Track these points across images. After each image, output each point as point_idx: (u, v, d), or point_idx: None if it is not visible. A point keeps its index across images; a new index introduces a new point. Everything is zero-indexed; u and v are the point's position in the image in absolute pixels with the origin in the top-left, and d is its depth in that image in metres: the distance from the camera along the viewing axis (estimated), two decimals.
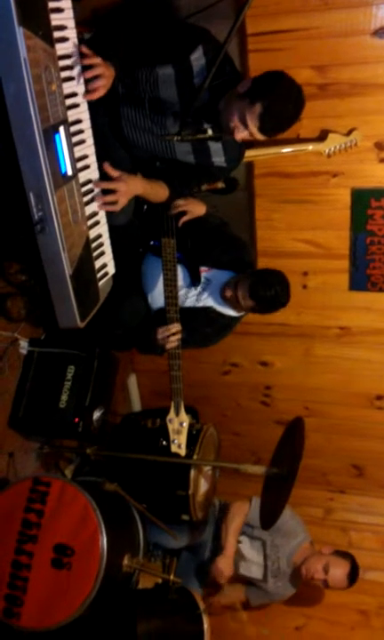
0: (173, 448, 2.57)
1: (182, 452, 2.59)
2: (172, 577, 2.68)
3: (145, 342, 2.61)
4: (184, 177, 2.36)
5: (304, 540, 3.19)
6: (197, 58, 2.12)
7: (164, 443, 2.72)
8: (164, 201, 2.34)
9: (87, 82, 1.84)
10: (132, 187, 2.08)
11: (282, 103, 2.04)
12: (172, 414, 2.54)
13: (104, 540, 2.43)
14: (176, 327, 2.46)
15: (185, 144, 2.24)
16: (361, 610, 3.49)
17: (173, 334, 2.45)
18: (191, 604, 2.74)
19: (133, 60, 2.10)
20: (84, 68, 1.81)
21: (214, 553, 3.16)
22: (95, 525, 2.44)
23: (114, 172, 2.02)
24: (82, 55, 1.79)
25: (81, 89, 1.83)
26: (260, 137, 2.09)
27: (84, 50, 1.79)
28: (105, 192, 2.01)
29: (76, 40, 1.77)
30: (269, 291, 2.48)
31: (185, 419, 2.55)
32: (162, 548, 3.11)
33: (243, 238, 2.85)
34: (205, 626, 2.67)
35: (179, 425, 2.55)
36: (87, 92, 1.84)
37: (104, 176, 2.02)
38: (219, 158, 2.31)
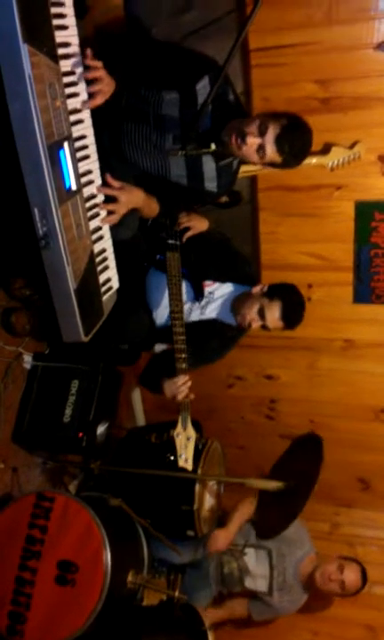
0: (181, 462, 2.55)
1: (189, 466, 2.56)
2: (177, 593, 2.67)
3: (153, 385, 2.61)
4: (173, 197, 2.37)
5: (310, 551, 3.18)
6: (203, 87, 2.13)
7: (172, 458, 2.70)
8: (154, 217, 2.35)
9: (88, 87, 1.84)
10: (133, 198, 2.10)
11: (300, 129, 2.14)
12: (179, 428, 2.52)
13: (108, 556, 2.41)
14: (184, 378, 2.45)
15: (181, 166, 2.26)
16: (368, 625, 3.44)
17: (183, 384, 2.45)
18: (196, 620, 2.71)
19: (138, 79, 2.11)
20: (85, 69, 1.80)
21: (219, 569, 3.13)
22: (99, 541, 2.42)
23: (115, 183, 2.03)
24: (84, 62, 1.79)
25: (85, 105, 1.84)
26: (271, 152, 2.10)
27: (88, 52, 1.79)
28: (107, 201, 2.02)
29: (80, 57, 1.78)
30: (300, 310, 2.55)
31: (192, 433, 2.52)
32: (167, 564, 3.08)
33: (244, 253, 2.84)
34: None
35: (186, 439, 2.54)
36: (88, 97, 1.84)
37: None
38: (211, 184, 2.32)
